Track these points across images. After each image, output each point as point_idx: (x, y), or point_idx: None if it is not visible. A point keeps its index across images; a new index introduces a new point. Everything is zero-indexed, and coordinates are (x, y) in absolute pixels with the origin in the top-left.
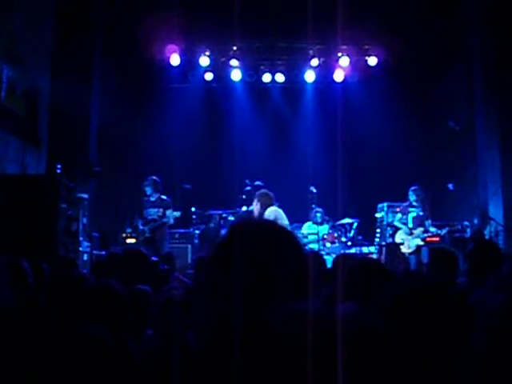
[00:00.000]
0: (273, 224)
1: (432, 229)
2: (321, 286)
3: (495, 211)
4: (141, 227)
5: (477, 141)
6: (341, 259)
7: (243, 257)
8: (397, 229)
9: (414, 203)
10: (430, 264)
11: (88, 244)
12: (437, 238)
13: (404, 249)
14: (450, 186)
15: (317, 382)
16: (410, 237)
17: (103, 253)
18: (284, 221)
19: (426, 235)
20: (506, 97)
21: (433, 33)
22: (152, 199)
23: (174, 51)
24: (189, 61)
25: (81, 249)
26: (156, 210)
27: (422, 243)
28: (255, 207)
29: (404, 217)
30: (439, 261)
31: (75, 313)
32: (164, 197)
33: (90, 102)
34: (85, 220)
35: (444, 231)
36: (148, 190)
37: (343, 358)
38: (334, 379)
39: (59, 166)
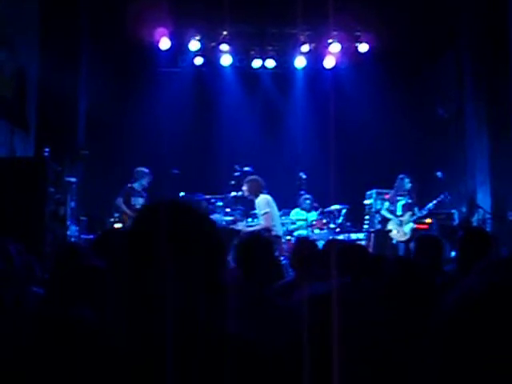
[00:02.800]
0: (183, 204)
1: (420, 213)
2: (313, 269)
3: (483, 199)
4: (132, 213)
5: (466, 129)
6: (330, 245)
7: (153, 242)
8: (385, 217)
9: (402, 191)
10: (415, 250)
11: (76, 228)
12: (425, 226)
13: (400, 237)
14: (439, 174)
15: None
16: (402, 225)
17: (91, 237)
18: (274, 208)
19: (414, 218)
20: (496, 85)
21: (423, 20)
22: (138, 188)
23: (164, 35)
24: (178, 45)
25: (69, 233)
26: (143, 200)
27: (415, 226)
28: (244, 193)
29: (392, 205)
30: (424, 247)
31: (61, 295)
32: (145, 193)
33: (78, 85)
34: (73, 204)
35: (430, 205)
36: (144, 183)
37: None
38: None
39: (47, 150)
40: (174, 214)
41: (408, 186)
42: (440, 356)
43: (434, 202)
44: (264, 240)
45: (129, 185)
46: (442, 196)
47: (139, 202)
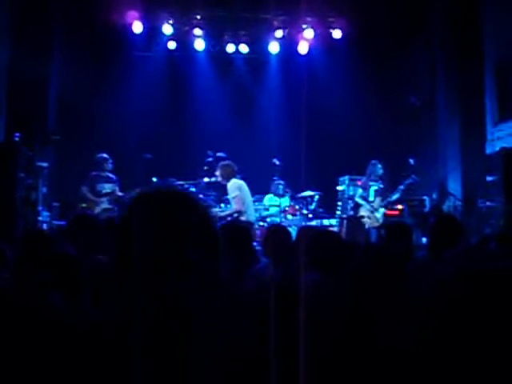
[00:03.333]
0: (174, 191)
1: (394, 196)
2: (285, 256)
3: (454, 186)
4: (98, 199)
5: (438, 116)
6: (303, 232)
7: (145, 226)
8: (358, 204)
9: (375, 177)
10: (385, 237)
11: (48, 214)
12: (396, 212)
13: (373, 223)
14: (411, 160)
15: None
16: (373, 212)
17: (63, 223)
18: (247, 193)
19: (385, 202)
20: (467, 73)
21: (396, 7)
22: (103, 175)
23: (136, 18)
24: (151, 29)
25: (40, 218)
26: (111, 185)
27: (386, 211)
28: (217, 178)
29: (365, 191)
30: (394, 234)
31: (30, 279)
32: (112, 175)
33: (50, 70)
34: (44, 189)
35: (401, 188)
36: (106, 167)
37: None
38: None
39: (18, 135)
40: (168, 200)
41: (380, 171)
42: (416, 342)
43: (402, 187)
44: (243, 227)
45: (93, 173)
46: (410, 179)
47: (105, 187)
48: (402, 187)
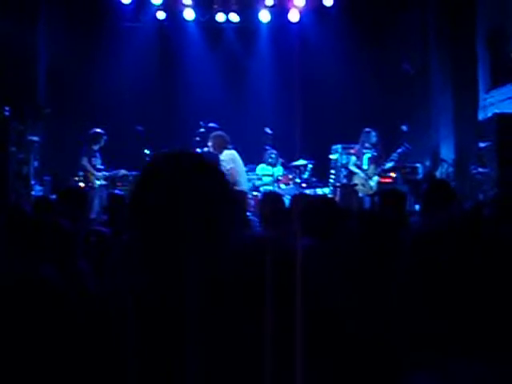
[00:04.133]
0: (193, 155)
1: (388, 164)
2: (280, 223)
3: (447, 153)
4: (97, 173)
5: (430, 83)
6: (298, 199)
7: (162, 192)
8: (352, 172)
9: (367, 144)
10: (379, 205)
11: (40, 188)
12: (389, 180)
13: (366, 191)
14: (404, 127)
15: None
16: (367, 180)
17: (55, 196)
18: (239, 164)
19: (378, 171)
20: (460, 40)
21: None
22: (95, 148)
23: None
24: None
25: (33, 193)
26: (101, 161)
27: (379, 179)
28: (210, 149)
29: (359, 159)
30: (388, 201)
31: (21, 251)
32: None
33: (38, 41)
34: (36, 163)
35: (394, 157)
36: (102, 143)
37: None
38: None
39: (7, 109)
40: (188, 164)
41: (374, 139)
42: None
43: (395, 154)
44: (238, 196)
45: (93, 146)
46: (402, 147)
47: (98, 162)
48: (395, 156)
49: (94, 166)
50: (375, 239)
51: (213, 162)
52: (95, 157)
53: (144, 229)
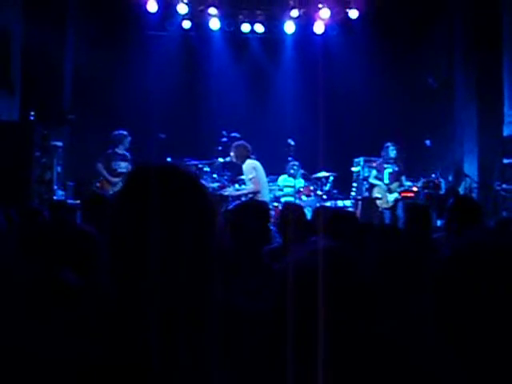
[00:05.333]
0: (173, 167)
1: (407, 183)
2: (303, 235)
3: (470, 168)
4: (113, 179)
5: (455, 98)
6: (319, 211)
7: (144, 202)
8: (373, 185)
9: (389, 159)
10: (405, 219)
11: (63, 193)
12: (411, 194)
13: (382, 204)
14: (427, 142)
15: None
16: (387, 193)
17: (78, 202)
18: (261, 174)
19: (401, 189)
20: (485, 55)
21: None
22: (120, 152)
23: None
24: (166, 7)
25: (55, 197)
26: (126, 163)
27: (399, 197)
28: (232, 159)
29: (380, 173)
30: (414, 216)
31: (48, 259)
32: (128, 153)
33: (65, 47)
34: (59, 168)
35: (419, 183)
36: (126, 144)
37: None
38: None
39: (33, 113)
40: (165, 176)
41: (392, 153)
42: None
43: (424, 180)
44: (261, 206)
45: (109, 150)
46: (433, 175)
47: (121, 165)
48: (420, 185)
49: (114, 171)
50: (397, 257)
51: (194, 176)
52: (116, 160)
53: (120, 245)
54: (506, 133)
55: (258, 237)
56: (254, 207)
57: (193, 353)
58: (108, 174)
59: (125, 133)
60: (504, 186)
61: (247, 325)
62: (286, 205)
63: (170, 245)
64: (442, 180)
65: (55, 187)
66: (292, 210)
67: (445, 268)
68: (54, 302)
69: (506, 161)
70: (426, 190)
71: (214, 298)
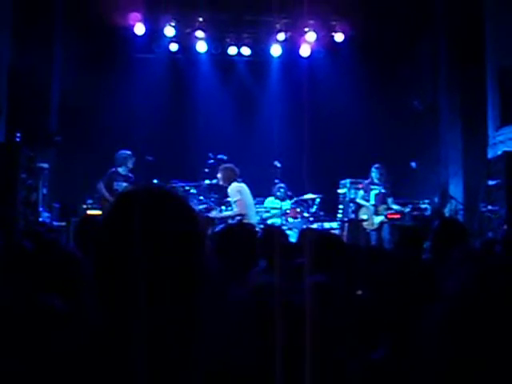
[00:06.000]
0: (161, 191)
1: (395, 206)
2: (286, 258)
3: (455, 190)
4: (110, 197)
5: (440, 121)
6: (306, 233)
7: (131, 225)
8: (359, 206)
9: (376, 181)
10: (398, 241)
11: (48, 215)
12: (398, 215)
13: (368, 226)
14: (413, 164)
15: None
16: (373, 215)
17: (63, 224)
18: (247, 196)
19: (388, 212)
20: (470, 77)
21: (400, 11)
22: (123, 173)
23: (138, 20)
24: (154, 30)
25: (41, 219)
26: (126, 184)
27: (385, 220)
28: (219, 181)
29: (366, 194)
30: (407, 239)
31: (33, 283)
32: (131, 174)
33: (52, 70)
34: (45, 190)
35: (407, 209)
36: (129, 165)
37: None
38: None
39: (19, 135)
40: (152, 201)
41: (377, 176)
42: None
43: (412, 206)
44: (248, 229)
45: (113, 169)
46: (420, 202)
47: (122, 186)
48: (408, 210)
49: (114, 191)
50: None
51: (181, 198)
52: (118, 181)
53: (106, 268)
54: (490, 155)
55: (244, 260)
56: (240, 230)
57: (182, 374)
58: (108, 193)
59: (128, 153)
60: (489, 207)
61: (232, 346)
62: (266, 228)
63: (157, 267)
64: (426, 204)
65: (41, 209)
66: (272, 234)
67: (454, 307)
68: (38, 328)
69: (491, 182)
70: (412, 212)
71: (200, 320)
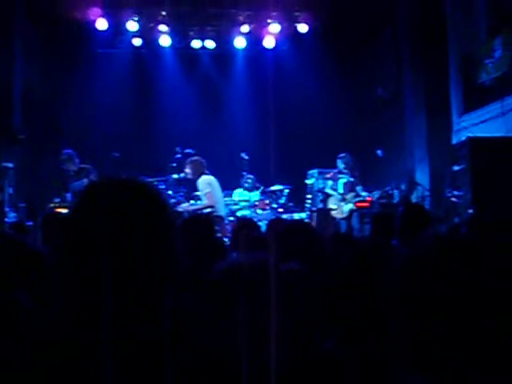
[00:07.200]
0: (128, 181)
1: (363, 193)
2: (254, 249)
3: (421, 177)
4: (71, 198)
5: (404, 107)
6: (274, 223)
7: (98, 216)
8: (328, 195)
9: (344, 170)
10: (372, 229)
11: (14, 214)
12: (366, 204)
13: (337, 214)
14: (379, 152)
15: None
16: (342, 203)
17: (30, 223)
18: (216, 189)
19: (357, 199)
20: (433, 64)
21: (361, 1)
22: (72, 172)
23: (99, 15)
24: (116, 25)
25: (7, 219)
26: (80, 181)
27: (354, 208)
28: (187, 175)
29: (334, 183)
30: (379, 224)
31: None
32: (83, 165)
33: (13, 67)
34: (11, 190)
35: (376, 195)
36: (66, 166)
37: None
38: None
39: None
40: (119, 190)
41: (341, 165)
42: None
43: (380, 192)
44: (204, 219)
45: (65, 174)
46: (388, 187)
47: (77, 186)
48: (376, 195)
49: (73, 192)
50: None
51: (155, 189)
52: (71, 182)
53: (76, 256)
54: (454, 140)
55: (200, 250)
56: (194, 222)
57: (147, 363)
58: (69, 195)
59: (69, 152)
60: (455, 192)
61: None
62: (239, 221)
63: (125, 258)
64: (395, 190)
65: (7, 209)
66: (245, 226)
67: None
68: (8, 324)
69: (455, 168)
70: (380, 200)
71: (166, 310)
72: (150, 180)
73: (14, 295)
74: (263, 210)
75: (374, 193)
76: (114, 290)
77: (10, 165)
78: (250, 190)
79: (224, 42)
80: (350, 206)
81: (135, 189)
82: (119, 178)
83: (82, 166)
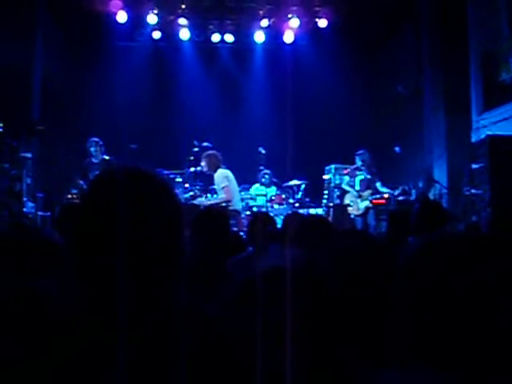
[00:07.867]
0: (140, 170)
1: (383, 189)
2: (271, 243)
3: (439, 174)
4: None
5: (423, 105)
6: (291, 217)
7: (109, 205)
8: (344, 191)
9: (361, 167)
10: (388, 226)
11: (32, 205)
12: (383, 201)
13: (353, 211)
14: (397, 149)
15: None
16: (358, 199)
17: (48, 214)
18: (233, 183)
19: (374, 197)
20: (453, 62)
21: None
22: (95, 161)
23: (120, 7)
24: (136, 18)
25: (25, 210)
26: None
27: (370, 205)
28: (203, 168)
29: (351, 179)
30: (396, 221)
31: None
32: (107, 157)
33: (34, 58)
34: (29, 180)
35: (397, 191)
36: (92, 152)
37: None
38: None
39: (1, 125)
40: (131, 179)
41: (359, 162)
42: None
43: (398, 190)
44: (217, 213)
45: (85, 160)
46: (406, 186)
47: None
48: (394, 192)
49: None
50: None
51: (162, 178)
52: (92, 170)
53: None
54: (473, 139)
55: (215, 245)
56: (209, 216)
57: (160, 351)
58: (85, 184)
59: (95, 139)
60: (473, 191)
61: (209, 328)
62: (256, 214)
63: (136, 247)
64: (412, 188)
65: (25, 199)
66: (261, 219)
67: (413, 258)
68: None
69: (474, 166)
70: (398, 197)
71: (177, 300)
72: (167, 173)
73: (38, 284)
74: (280, 204)
75: (395, 190)
76: (125, 277)
77: (29, 155)
78: (266, 184)
79: (243, 36)
80: (366, 203)
81: (142, 176)
82: (127, 166)
83: (105, 157)
